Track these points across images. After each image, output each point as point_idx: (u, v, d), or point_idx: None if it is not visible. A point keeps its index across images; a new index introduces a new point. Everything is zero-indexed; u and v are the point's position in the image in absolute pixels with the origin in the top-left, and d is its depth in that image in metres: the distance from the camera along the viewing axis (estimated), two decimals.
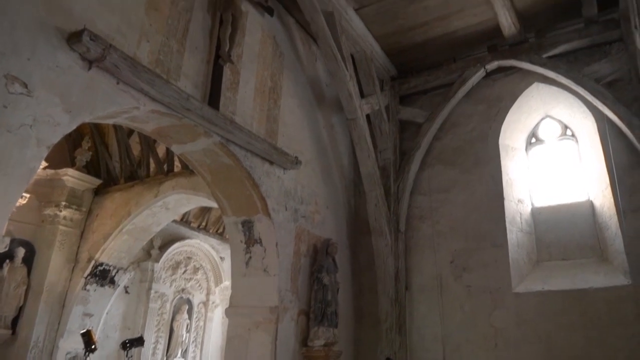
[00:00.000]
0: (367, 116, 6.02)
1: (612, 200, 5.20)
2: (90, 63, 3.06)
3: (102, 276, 6.81)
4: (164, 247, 7.97)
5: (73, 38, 2.93)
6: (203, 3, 4.29)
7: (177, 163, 6.98)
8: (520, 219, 5.90)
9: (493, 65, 6.10)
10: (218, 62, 4.23)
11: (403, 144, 6.58)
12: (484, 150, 6.08)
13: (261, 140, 4.53)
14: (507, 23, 5.67)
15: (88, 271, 6.68)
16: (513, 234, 5.69)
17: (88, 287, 6.67)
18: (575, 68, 5.54)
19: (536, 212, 5.99)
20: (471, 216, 5.86)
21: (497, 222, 5.68)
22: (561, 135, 6.21)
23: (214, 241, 8.95)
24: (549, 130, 6.29)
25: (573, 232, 5.65)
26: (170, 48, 3.82)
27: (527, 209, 6.01)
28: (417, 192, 6.32)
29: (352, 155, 6.45)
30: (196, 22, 4.17)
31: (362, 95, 6.02)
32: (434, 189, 6.25)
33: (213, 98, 4.13)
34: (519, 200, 5.99)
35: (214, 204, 6.38)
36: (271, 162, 4.82)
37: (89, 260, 6.72)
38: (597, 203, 5.57)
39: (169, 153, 6.69)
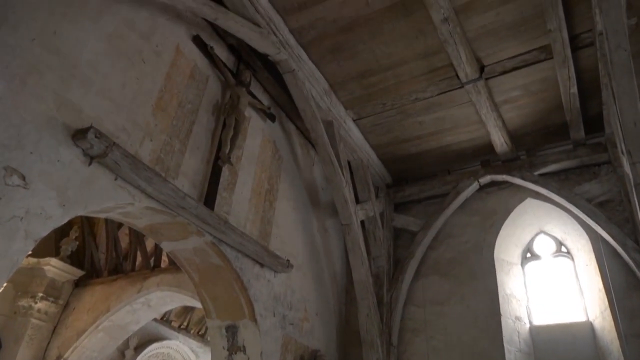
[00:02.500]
0: (362, 222, 6.06)
1: (612, 323, 5.07)
2: (91, 159, 3.14)
3: None
4: (140, 348, 7.55)
5: (78, 135, 3.03)
6: (208, 107, 4.53)
7: (164, 258, 6.88)
8: (519, 338, 5.69)
9: (486, 179, 6.31)
10: (217, 162, 4.35)
11: (397, 252, 6.56)
12: (479, 263, 6.05)
13: (253, 241, 4.50)
14: (500, 141, 5.96)
15: None
16: (512, 354, 5.45)
17: None
18: (566, 187, 5.73)
19: (535, 331, 5.80)
20: (467, 332, 5.66)
21: (494, 341, 5.47)
22: (556, 251, 6.23)
23: (195, 343, 8.51)
24: (544, 246, 6.32)
25: (574, 355, 5.42)
26: (172, 147, 3.95)
27: (525, 327, 5.83)
28: (411, 302, 6.17)
29: (345, 261, 6.39)
30: (200, 124, 4.35)
31: (357, 201, 6.12)
32: (429, 301, 6.11)
33: (209, 197, 4.18)
34: (517, 318, 5.83)
35: (197, 304, 6.17)
36: (262, 265, 4.75)
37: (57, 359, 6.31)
38: (597, 325, 5.42)
39: (157, 248, 6.61)
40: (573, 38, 4.79)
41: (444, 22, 4.62)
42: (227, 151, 4.42)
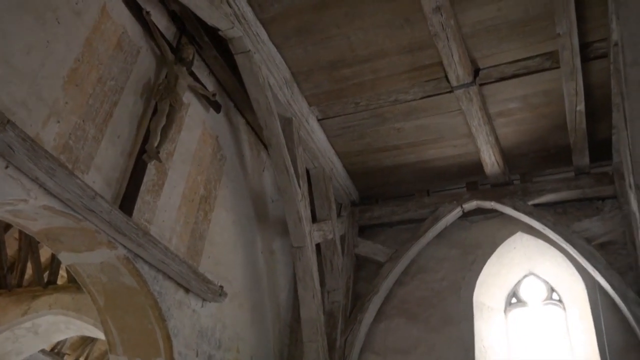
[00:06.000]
0: (318, 246, 6.09)
1: None
2: None
3: None
4: None
5: None
6: (137, 86, 4.46)
7: (62, 272, 6.70)
8: None
9: (471, 205, 6.48)
10: (142, 157, 4.28)
11: (358, 285, 6.61)
12: (455, 305, 6.18)
13: (179, 260, 4.44)
14: (490, 161, 6.15)
15: None
16: None
17: None
18: (564, 222, 5.95)
19: None
20: None
21: None
22: (547, 298, 6.44)
23: None
24: (532, 291, 6.52)
25: None
26: (85, 133, 3.86)
27: None
28: (370, 349, 6.22)
29: (293, 292, 6.39)
30: (124, 106, 4.28)
31: (314, 219, 6.15)
32: (391, 349, 6.17)
33: (127, 200, 4.10)
34: None
35: (100, 334, 6.01)
36: (187, 290, 4.69)
37: None
38: None
39: (54, 260, 6.44)
40: (584, 46, 5.02)
41: (435, 12, 4.75)
42: (155, 144, 4.36)
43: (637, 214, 4.81)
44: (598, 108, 5.58)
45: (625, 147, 5.03)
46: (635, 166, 4.60)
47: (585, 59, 5.09)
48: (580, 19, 4.78)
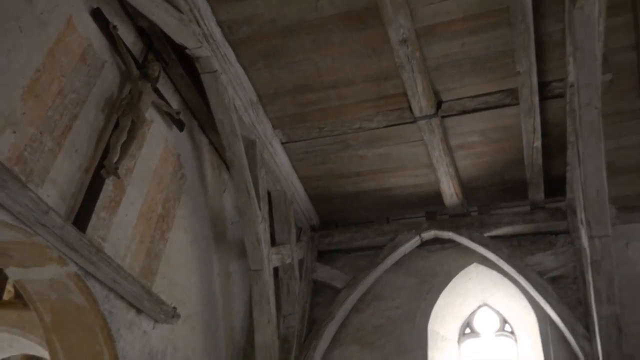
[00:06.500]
0: (275, 269, 6.05)
1: None
2: None
3: None
4: None
5: None
6: (99, 100, 4.38)
7: (9, 287, 6.47)
8: None
9: (430, 234, 6.55)
10: (100, 172, 4.20)
11: (314, 310, 6.58)
12: (409, 334, 6.20)
13: (132, 279, 4.34)
14: (449, 191, 6.25)
15: None
16: None
17: None
18: (518, 255, 6.07)
19: None
20: None
21: None
22: (499, 330, 6.53)
23: None
24: (486, 322, 6.61)
25: None
26: (42, 145, 3.77)
27: None
28: None
29: (248, 316, 6.31)
30: (84, 120, 4.20)
31: (273, 242, 6.12)
32: None
33: (82, 216, 4.00)
34: None
35: (46, 354, 5.80)
36: (139, 310, 4.58)
37: None
38: None
39: (0, 274, 6.21)
40: (543, 85, 5.20)
41: (402, 44, 4.85)
42: (115, 159, 4.28)
43: (587, 249, 4.95)
44: (554, 145, 5.77)
45: (578, 185, 5.20)
46: (587, 203, 4.78)
47: (543, 98, 5.28)
48: (540, 59, 4.96)
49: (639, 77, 5.30)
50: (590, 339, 5.27)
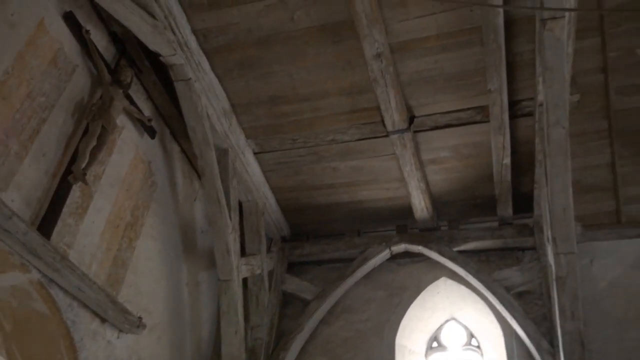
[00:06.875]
0: (244, 280, 6.01)
1: None
2: None
3: None
4: None
5: None
6: (69, 105, 4.32)
7: None
8: None
9: (400, 247, 6.58)
10: (67, 178, 4.12)
11: (283, 322, 6.53)
12: (377, 348, 6.19)
13: (97, 288, 4.26)
14: (420, 206, 6.30)
15: None
16: None
17: None
18: (485, 270, 6.13)
19: None
20: None
21: None
22: (466, 344, 6.56)
23: None
24: (453, 336, 6.64)
25: None
26: (7, 148, 3.69)
27: None
28: None
29: (216, 327, 6.22)
30: (53, 124, 4.13)
31: (243, 253, 6.08)
32: None
33: (47, 222, 3.93)
34: None
35: None
36: (103, 320, 4.49)
37: None
38: None
39: None
40: (513, 104, 5.30)
41: (376, 58, 4.90)
42: (83, 165, 4.21)
43: (553, 266, 5.04)
44: (523, 163, 5.86)
45: (545, 202, 5.30)
46: (553, 221, 4.87)
47: (513, 116, 5.38)
48: (511, 78, 5.07)
49: (606, 98, 5.46)
50: (555, 354, 5.34)
